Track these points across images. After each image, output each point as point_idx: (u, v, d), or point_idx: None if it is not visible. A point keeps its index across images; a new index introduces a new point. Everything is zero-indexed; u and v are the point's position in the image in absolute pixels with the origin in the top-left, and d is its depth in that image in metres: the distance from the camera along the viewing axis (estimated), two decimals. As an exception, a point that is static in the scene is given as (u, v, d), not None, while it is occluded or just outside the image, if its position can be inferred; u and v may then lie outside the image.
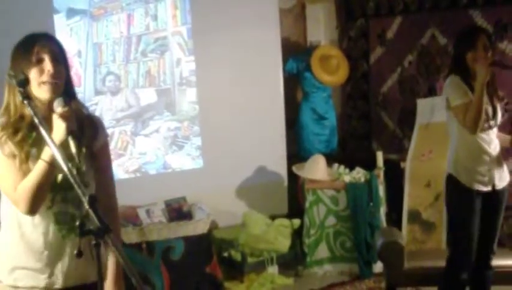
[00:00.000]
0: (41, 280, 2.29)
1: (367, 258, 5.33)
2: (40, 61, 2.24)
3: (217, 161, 5.59)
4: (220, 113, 5.65)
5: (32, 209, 2.19)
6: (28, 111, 2.18)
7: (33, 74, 2.22)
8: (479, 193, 3.80)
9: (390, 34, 6.30)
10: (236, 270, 5.24)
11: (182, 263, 4.75)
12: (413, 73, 6.14)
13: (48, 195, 2.24)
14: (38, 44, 2.26)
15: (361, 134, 6.67)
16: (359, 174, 5.52)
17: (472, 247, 3.84)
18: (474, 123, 3.66)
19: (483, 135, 3.75)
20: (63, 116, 2.14)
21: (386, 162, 5.58)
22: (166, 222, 4.82)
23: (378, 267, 5.23)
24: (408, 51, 6.17)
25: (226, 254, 5.26)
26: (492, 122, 3.77)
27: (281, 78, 6.08)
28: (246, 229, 5.22)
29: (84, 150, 2.22)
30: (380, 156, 5.53)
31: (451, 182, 3.88)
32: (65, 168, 1.98)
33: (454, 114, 3.77)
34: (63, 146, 2.10)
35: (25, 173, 2.19)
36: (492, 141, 3.80)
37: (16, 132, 2.22)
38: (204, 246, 4.87)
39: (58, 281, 2.31)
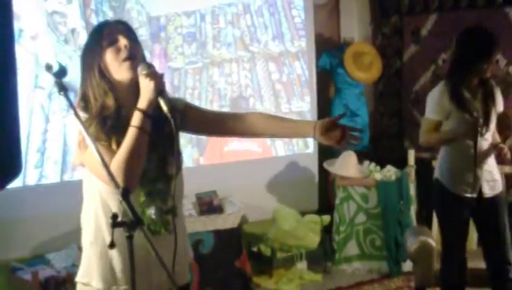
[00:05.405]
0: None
1: (396, 256, 5.31)
2: (113, 42, 2.16)
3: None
4: (251, 107, 5.67)
5: (129, 182, 2.05)
6: (110, 99, 2.15)
7: (110, 56, 2.16)
8: (464, 198, 3.73)
9: (424, 32, 6.25)
10: (265, 265, 5.26)
11: (211, 256, 4.78)
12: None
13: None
14: (108, 27, 2.20)
15: (393, 132, 6.63)
16: (390, 172, 5.49)
17: (461, 248, 3.82)
18: (426, 145, 3.93)
19: (473, 142, 3.65)
20: (149, 74, 2.10)
21: (418, 160, 5.53)
22: (196, 215, 4.83)
23: (407, 265, 5.21)
24: (442, 49, 6.09)
25: (255, 249, 5.28)
26: (483, 130, 3.64)
27: (313, 74, 6.07)
28: (276, 224, 5.22)
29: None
30: (411, 154, 5.49)
31: (437, 186, 3.87)
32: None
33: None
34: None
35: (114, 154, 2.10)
36: (483, 148, 3.68)
37: (103, 121, 2.14)
38: (234, 240, 4.89)
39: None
